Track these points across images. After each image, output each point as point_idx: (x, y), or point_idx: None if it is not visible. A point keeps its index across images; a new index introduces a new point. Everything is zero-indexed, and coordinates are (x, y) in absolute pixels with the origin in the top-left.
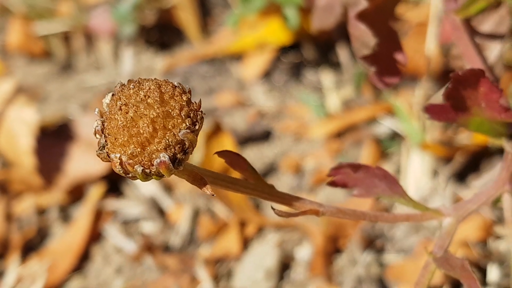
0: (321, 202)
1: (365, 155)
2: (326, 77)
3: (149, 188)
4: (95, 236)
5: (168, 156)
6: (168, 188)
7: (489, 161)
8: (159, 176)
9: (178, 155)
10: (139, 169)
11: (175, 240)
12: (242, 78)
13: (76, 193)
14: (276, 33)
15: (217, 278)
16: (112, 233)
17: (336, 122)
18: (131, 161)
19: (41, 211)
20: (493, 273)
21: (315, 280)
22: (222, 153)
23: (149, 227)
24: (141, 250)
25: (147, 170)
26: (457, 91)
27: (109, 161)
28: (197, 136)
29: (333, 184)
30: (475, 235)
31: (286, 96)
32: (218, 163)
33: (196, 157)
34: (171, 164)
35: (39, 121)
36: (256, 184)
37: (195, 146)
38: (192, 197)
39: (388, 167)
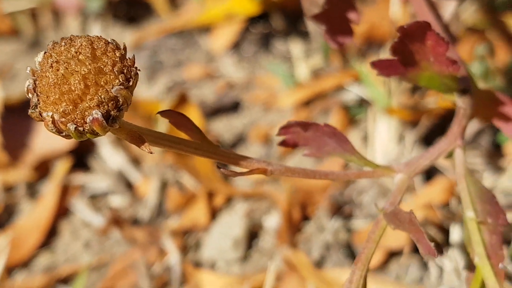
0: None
1: (334, 122)
2: (295, 46)
3: (116, 161)
4: (62, 211)
5: (101, 113)
6: (136, 161)
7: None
8: (94, 134)
9: (112, 112)
10: (72, 127)
11: (144, 213)
12: (210, 50)
13: (43, 169)
14: (243, 3)
15: (186, 249)
16: (80, 207)
17: (305, 90)
18: (63, 119)
19: (8, 188)
20: (455, 233)
21: (282, 248)
22: (165, 113)
23: (117, 200)
24: (108, 223)
25: (81, 128)
26: (405, 45)
27: (42, 120)
28: (131, 93)
29: (284, 144)
30: (439, 197)
31: (255, 67)
32: (185, 136)
33: (161, 129)
34: (104, 121)
35: (3, 98)
36: (201, 144)
37: (130, 103)
38: (160, 170)
39: (356, 133)
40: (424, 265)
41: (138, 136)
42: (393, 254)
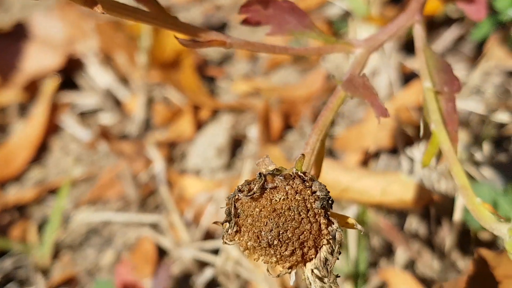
0: (274, 83)
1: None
2: None
3: (105, 80)
4: (53, 128)
5: None
6: (124, 80)
7: (436, 30)
8: None
9: None
10: None
11: (132, 128)
12: None
13: (33, 90)
14: None
15: (171, 160)
16: (69, 124)
17: None
18: None
19: (0, 109)
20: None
21: (265, 152)
22: None
23: (106, 117)
24: (96, 137)
25: None
26: None
27: None
28: None
29: (246, 22)
30: (414, 99)
31: None
32: (169, 50)
33: (145, 43)
34: None
35: None
36: (158, 14)
37: None
38: (147, 87)
39: None
40: (398, 163)
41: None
42: (370, 155)
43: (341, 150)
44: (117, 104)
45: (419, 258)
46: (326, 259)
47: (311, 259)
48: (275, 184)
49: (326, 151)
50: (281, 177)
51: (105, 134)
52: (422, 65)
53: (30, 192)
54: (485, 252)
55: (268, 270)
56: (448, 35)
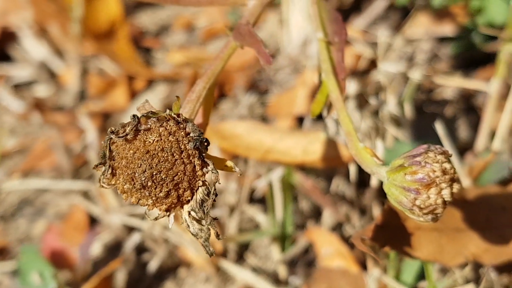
0: (210, 53)
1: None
2: None
3: (39, 52)
4: None
5: None
6: (58, 53)
7: (370, 1)
8: None
9: None
10: None
11: (66, 100)
12: None
13: None
14: None
15: (106, 130)
16: (3, 96)
17: None
18: None
19: None
20: (352, 86)
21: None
22: None
23: (41, 89)
24: (30, 109)
25: None
26: None
27: None
28: None
29: None
30: (349, 61)
31: None
32: (102, 20)
33: (77, 13)
34: None
35: None
36: None
37: None
38: (82, 59)
39: (274, 17)
40: (324, 126)
41: None
42: (298, 120)
43: (273, 116)
44: (52, 76)
45: (345, 219)
46: (203, 201)
47: (188, 201)
48: (149, 126)
49: (259, 117)
50: (154, 119)
51: (39, 105)
52: (315, 17)
53: None
54: None
55: (145, 214)
56: (380, 3)
